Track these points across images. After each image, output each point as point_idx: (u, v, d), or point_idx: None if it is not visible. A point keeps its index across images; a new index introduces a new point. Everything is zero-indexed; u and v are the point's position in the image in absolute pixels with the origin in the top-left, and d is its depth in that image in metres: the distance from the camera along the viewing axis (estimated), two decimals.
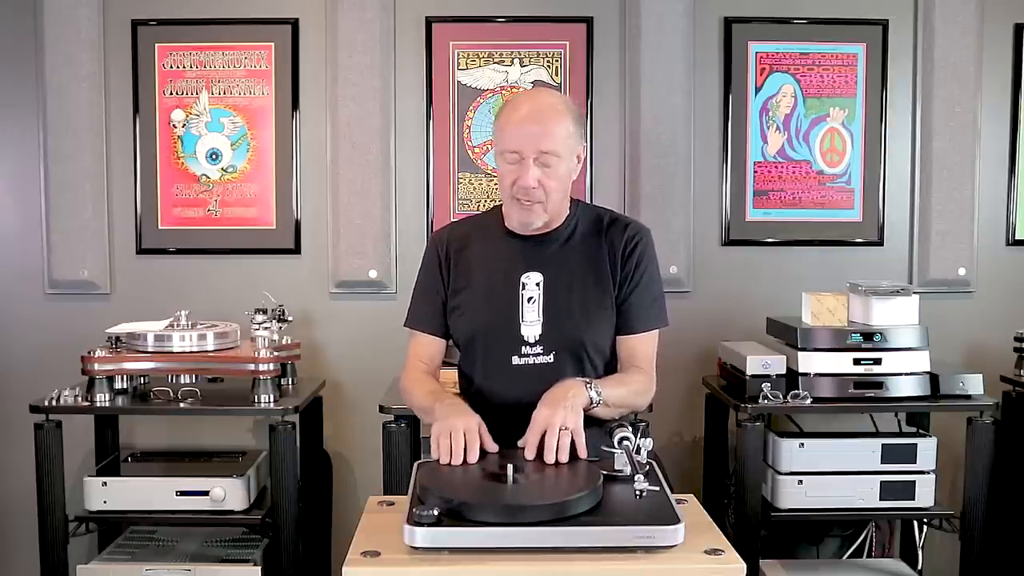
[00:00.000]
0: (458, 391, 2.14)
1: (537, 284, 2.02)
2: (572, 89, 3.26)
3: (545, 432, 1.78)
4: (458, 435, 1.77)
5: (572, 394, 1.86)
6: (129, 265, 3.30)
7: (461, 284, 2.08)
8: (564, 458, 1.76)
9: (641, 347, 2.06)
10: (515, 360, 2.01)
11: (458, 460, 1.75)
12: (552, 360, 2.00)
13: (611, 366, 2.08)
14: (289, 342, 3.04)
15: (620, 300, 2.04)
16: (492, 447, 1.81)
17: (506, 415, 1.90)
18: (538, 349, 2.00)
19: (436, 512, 1.49)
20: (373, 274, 3.27)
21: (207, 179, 3.29)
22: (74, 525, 2.84)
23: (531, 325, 2.01)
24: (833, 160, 3.33)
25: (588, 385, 1.90)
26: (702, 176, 3.31)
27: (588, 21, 3.27)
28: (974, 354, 3.35)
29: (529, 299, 2.02)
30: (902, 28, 3.31)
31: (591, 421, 1.90)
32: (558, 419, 1.79)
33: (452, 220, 2.98)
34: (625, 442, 1.71)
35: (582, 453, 1.79)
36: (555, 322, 2.00)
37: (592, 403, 1.89)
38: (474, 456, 1.76)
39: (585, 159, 2.41)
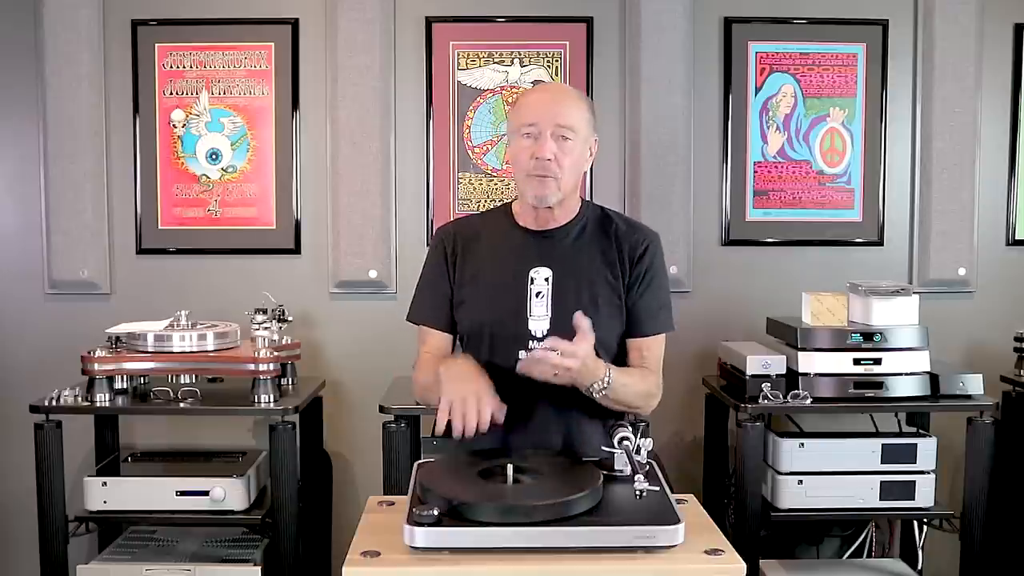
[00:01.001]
0: None
1: (546, 279, 2.01)
2: None
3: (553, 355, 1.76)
4: (470, 403, 1.74)
5: (589, 368, 1.83)
6: (129, 265, 3.30)
7: (468, 277, 2.06)
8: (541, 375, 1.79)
9: (648, 349, 2.05)
10: (522, 355, 1.99)
11: (470, 431, 1.71)
12: None
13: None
14: (289, 342, 3.04)
15: (630, 304, 2.03)
16: (499, 417, 1.77)
17: (509, 409, 1.87)
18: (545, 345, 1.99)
19: (436, 512, 1.48)
20: (373, 274, 3.27)
21: (207, 179, 3.29)
22: (74, 525, 2.84)
23: (539, 320, 1.99)
24: (833, 160, 3.33)
25: (606, 373, 1.87)
26: (702, 176, 3.31)
27: (588, 21, 3.27)
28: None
29: (537, 294, 2.00)
30: (902, 28, 3.31)
31: (594, 416, 1.90)
32: (570, 361, 1.76)
33: (453, 218, 2.96)
34: (625, 442, 1.71)
35: (547, 373, 1.78)
36: (563, 318, 1.98)
37: (593, 391, 1.86)
38: (485, 425, 1.73)
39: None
